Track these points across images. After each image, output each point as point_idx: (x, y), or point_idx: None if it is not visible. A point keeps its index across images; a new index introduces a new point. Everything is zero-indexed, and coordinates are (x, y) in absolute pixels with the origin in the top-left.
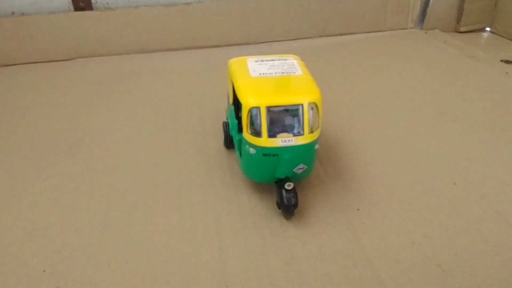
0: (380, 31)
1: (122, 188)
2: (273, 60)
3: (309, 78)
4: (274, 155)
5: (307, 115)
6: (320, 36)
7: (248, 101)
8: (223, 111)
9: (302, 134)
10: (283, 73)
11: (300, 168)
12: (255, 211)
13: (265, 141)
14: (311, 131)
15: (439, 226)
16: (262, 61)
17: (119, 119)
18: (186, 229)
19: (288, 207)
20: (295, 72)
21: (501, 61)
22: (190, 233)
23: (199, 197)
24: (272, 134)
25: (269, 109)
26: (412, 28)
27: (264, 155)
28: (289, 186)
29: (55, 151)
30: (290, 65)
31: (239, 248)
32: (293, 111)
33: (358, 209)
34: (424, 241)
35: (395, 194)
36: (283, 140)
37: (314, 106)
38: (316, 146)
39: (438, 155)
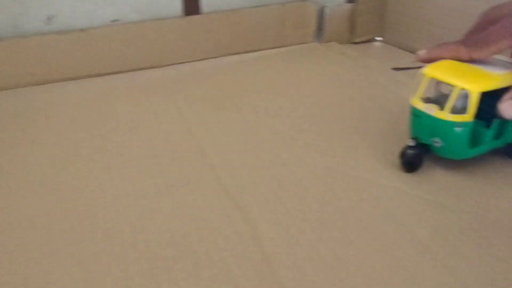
0: (283, 46)
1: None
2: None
3: (492, 73)
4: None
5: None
6: (226, 55)
7: None
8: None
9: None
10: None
11: (436, 142)
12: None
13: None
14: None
15: (350, 246)
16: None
17: (10, 161)
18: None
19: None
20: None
21: (392, 69)
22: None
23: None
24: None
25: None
26: (312, 42)
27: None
28: (411, 142)
29: None
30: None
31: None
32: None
33: (272, 238)
34: (337, 263)
35: (308, 217)
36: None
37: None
38: (458, 129)
39: (345, 172)
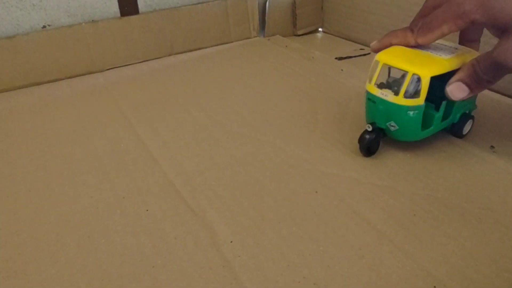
0: (227, 43)
1: None
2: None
3: (440, 58)
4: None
5: (407, 82)
6: (169, 55)
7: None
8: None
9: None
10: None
11: (392, 126)
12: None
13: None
14: (406, 97)
15: (310, 241)
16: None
17: None
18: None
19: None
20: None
21: (336, 58)
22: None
23: None
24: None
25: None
26: (256, 36)
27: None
28: (368, 127)
29: None
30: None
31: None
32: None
33: (231, 242)
34: (299, 260)
35: (266, 215)
36: (381, 93)
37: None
38: (411, 113)
39: (299, 166)
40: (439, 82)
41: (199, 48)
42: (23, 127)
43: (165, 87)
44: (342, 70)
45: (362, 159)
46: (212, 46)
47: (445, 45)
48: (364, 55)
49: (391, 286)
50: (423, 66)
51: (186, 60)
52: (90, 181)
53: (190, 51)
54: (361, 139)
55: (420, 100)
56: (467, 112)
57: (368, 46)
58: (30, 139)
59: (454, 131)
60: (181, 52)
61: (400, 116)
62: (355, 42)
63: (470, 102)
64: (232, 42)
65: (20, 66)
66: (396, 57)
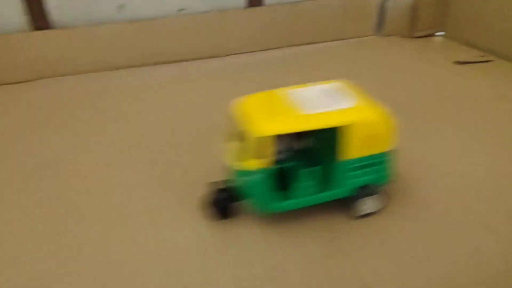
0: (343, 39)
1: (96, 210)
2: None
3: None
4: None
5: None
6: (286, 46)
7: None
8: (200, 127)
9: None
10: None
11: (242, 190)
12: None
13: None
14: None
15: None
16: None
17: (86, 141)
18: (166, 247)
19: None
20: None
21: (454, 62)
22: (171, 251)
23: (177, 214)
24: None
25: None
26: (372, 35)
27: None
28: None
29: (19, 177)
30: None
31: (223, 259)
32: None
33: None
34: None
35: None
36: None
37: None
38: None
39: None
40: (323, 142)
41: (315, 42)
42: (153, 98)
43: (281, 77)
44: (459, 74)
45: None
46: (327, 41)
47: (336, 94)
48: (486, 61)
49: None
50: (266, 123)
51: (301, 52)
52: None
53: (306, 44)
54: (210, 202)
55: (259, 163)
56: (372, 184)
57: (490, 53)
58: (159, 110)
59: (348, 206)
60: (298, 45)
61: (243, 180)
62: (476, 48)
63: (374, 171)
64: (348, 38)
65: (156, 45)
66: (251, 108)
